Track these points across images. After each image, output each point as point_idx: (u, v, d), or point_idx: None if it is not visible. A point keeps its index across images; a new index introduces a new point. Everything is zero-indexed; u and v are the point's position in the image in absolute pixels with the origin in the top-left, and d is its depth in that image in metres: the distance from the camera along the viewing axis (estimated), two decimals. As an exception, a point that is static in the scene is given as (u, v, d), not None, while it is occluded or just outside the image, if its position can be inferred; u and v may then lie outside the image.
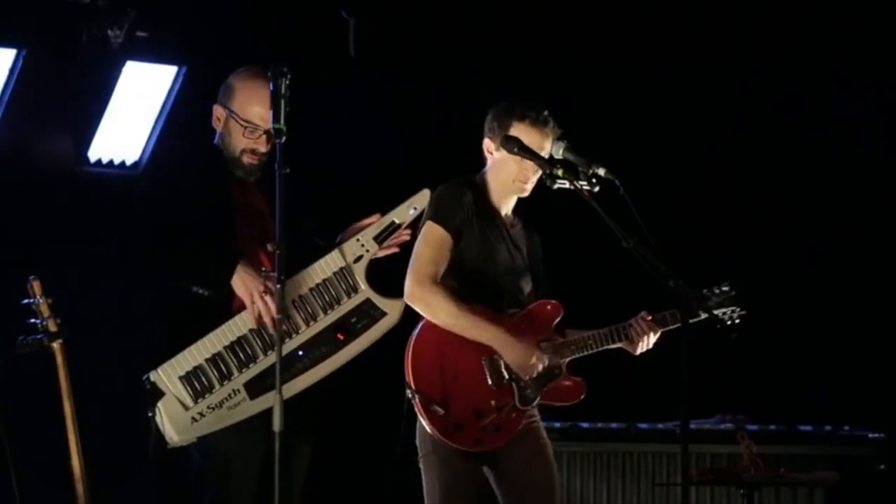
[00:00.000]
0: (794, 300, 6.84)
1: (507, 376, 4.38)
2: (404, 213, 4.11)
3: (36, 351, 4.27)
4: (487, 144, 4.53)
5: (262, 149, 4.08)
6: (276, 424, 3.61)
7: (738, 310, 4.51)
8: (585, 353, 4.48)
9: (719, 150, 6.98)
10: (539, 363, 4.37)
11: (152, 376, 3.91)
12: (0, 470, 4.45)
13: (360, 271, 4.02)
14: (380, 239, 4.07)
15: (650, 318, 4.46)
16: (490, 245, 4.47)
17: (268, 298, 3.85)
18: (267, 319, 3.86)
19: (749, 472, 5.58)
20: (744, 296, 4.59)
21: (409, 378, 4.33)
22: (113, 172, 6.36)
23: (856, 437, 6.08)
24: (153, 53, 6.20)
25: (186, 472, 4.06)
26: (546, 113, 4.48)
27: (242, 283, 3.90)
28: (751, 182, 7.03)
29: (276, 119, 3.80)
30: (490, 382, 4.37)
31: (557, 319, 4.49)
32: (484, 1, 6.76)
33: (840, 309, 6.81)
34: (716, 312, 4.41)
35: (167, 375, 3.91)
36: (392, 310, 4.04)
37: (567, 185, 4.36)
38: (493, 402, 4.37)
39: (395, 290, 4.17)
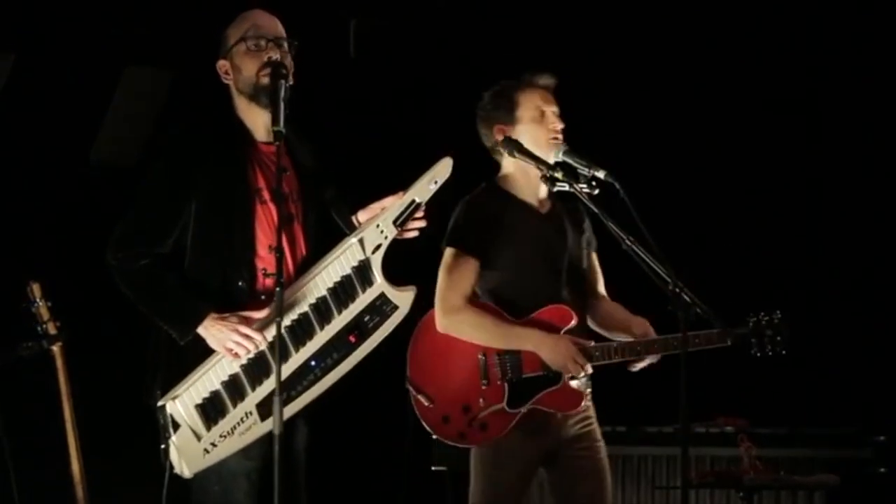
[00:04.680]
0: (794, 302, 6.83)
1: (500, 376, 4.34)
2: (425, 189, 3.94)
3: (36, 354, 4.28)
4: (500, 129, 4.48)
5: (275, 56, 3.89)
6: (276, 427, 3.55)
7: (777, 340, 4.38)
8: (606, 361, 4.37)
9: (719, 152, 6.97)
10: (575, 363, 4.28)
11: (168, 407, 3.75)
12: (0, 472, 4.46)
13: (377, 262, 3.89)
14: (399, 222, 3.92)
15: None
16: (522, 245, 4.41)
17: (244, 341, 3.75)
18: (242, 353, 3.76)
19: (749, 475, 5.57)
20: (745, 298, 4.59)
21: (408, 369, 4.37)
22: (113, 174, 6.36)
23: (856, 439, 6.07)
24: (151, 57, 6.20)
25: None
26: (537, 69, 4.50)
27: (213, 337, 3.77)
28: (750, 184, 7.02)
29: (275, 122, 3.76)
30: (482, 380, 4.35)
31: (567, 327, 4.37)
32: (483, 1, 6.77)
33: (840, 311, 6.80)
34: (752, 339, 4.35)
35: (184, 405, 3.76)
36: (403, 302, 3.93)
37: (567, 187, 4.35)
38: (481, 401, 4.34)
39: (403, 275, 4.03)
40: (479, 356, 4.34)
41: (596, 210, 4.23)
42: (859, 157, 6.91)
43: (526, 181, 4.47)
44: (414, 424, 4.47)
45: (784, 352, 4.35)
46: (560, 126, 4.46)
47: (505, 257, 4.40)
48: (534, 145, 4.42)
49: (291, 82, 3.86)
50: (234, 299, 3.83)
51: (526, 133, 4.45)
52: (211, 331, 3.77)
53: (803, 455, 6.06)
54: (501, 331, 4.33)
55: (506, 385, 4.34)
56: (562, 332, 4.35)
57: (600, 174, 4.29)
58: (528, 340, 4.31)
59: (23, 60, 6.07)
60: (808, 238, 6.88)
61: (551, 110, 4.48)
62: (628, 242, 4.13)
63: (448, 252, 4.40)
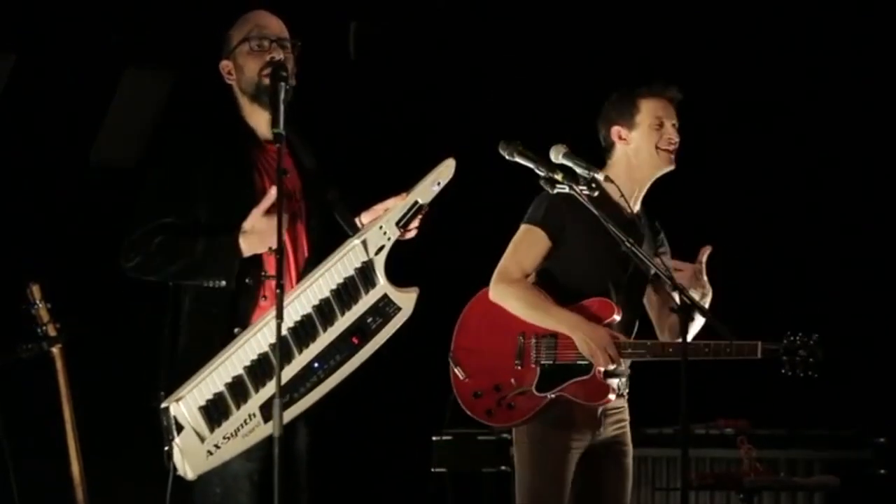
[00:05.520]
0: (793, 303, 6.84)
1: (534, 359, 4.37)
2: (427, 190, 3.89)
3: (36, 356, 4.28)
4: (617, 131, 4.51)
5: (278, 56, 3.87)
6: (276, 430, 3.52)
7: (809, 362, 4.26)
8: (639, 358, 4.38)
9: (719, 153, 6.97)
10: (606, 353, 4.28)
11: (172, 409, 3.72)
12: (0, 472, 4.46)
13: (380, 263, 3.85)
14: (402, 223, 3.88)
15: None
16: (593, 242, 4.37)
17: (272, 227, 3.67)
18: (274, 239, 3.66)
19: (749, 477, 5.58)
20: (744, 298, 4.57)
21: (452, 341, 4.46)
22: (114, 175, 6.36)
23: (856, 441, 6.07)
24: (152, 58, 6.20)
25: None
26: (665, 82, 4.54)
27: (259, 244, 3.75)
28: (749, 187, 7.03)
29: (275, 124, 3.74)
30: (516, 361, 4.39)
31: (608, 321, 4.36)
32: (483, 2, 6.78)
33: (840, 312, 6.80)
34: (784, 357, 4.26)
35: (188, 407, 3.73)
36: (406, 303, 3.88)
37: (566, 189, 4.35)
38: (512, 380, 4.38)
39: (404, 276, 3.97)
40: (519, 337, 4.39)
41: (595, 212, 4.23)
42: (857, 158, 6.91)
43: (622, 183, 4.44)
44: (452, 410, 4.58)
45: (815, 375, 4.28)
46: (676, 139, 4.50)
47: (574, 250, 4.42)
48: (647, 153, 4.47)
49: (293, 83, 3.85)
50: (241, 297, 3.83)
51: (641, 139, 4.48)
52: (249, 247, 3.75)
53: (803, 456, 6.07)
54: (543, 307, 4.36)
55: (538, 369, 4.37)
56: (602, 324, 4.36)
57: (600, 176, 4.29)
58: (565, 323, 4.34)
59: (23, 60, 6.07)
60: (808, 240, 6.88)
61: (671, 122, 4.51)
62: (628, 244, 4.13)
63: (523, 228, 4.44)
